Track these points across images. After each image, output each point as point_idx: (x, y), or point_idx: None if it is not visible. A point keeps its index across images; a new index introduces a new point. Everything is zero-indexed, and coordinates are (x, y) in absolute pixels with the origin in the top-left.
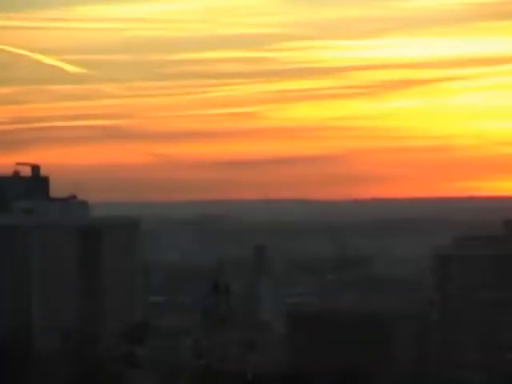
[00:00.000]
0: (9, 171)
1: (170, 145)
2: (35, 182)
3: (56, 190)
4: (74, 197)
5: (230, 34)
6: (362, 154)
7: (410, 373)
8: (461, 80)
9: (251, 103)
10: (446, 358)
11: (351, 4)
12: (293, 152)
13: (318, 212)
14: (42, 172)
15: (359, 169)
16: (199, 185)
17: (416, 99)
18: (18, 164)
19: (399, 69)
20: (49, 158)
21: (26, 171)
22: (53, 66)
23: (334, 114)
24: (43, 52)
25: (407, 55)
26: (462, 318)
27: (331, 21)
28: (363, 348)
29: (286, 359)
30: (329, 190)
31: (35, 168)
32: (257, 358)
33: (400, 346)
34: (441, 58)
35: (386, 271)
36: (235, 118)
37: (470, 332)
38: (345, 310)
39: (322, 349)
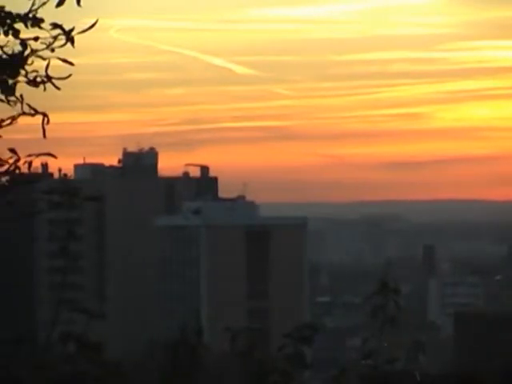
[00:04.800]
0: (179, 172)
1: (337, 146)
2: (204, 183)
3: (224, 191)
4: (242, 197)
5: (397, 34)
6: None
7: None
8: None
9: (419, 104)
10: None
11: None
12: (461, 152)
13: (486, 212)
14: (211, 173)
15: None
16: (366, 185)
17: None
18: (187, 165)
19: None
20: (217, 159)
21: (195, 172)
22: (222, 68)
23: (504, 114)
24: (212, 54)
25: None
26: None
27: (500, 20)
28: None
29: (454, 360)
30: (498, 190)
31: (204, 169)
32: (425, 358)
33: None
34: None
35: None
36: (403, 118)
37: None
38: None
39: (489, 349)
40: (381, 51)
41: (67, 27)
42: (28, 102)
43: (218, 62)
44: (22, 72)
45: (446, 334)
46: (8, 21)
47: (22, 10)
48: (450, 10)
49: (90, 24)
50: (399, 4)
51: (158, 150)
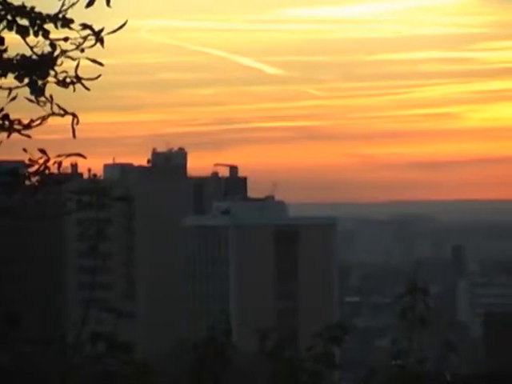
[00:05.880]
0: (208, 172)
1: (367, 146)
2: (233, 183)
3: (254, 191)
4: (271, 197)
5: (427, 34)
6: None
7: None
8: None
9: (450, 103)
10: None
11: None
12: (490, 152)
13: None
14: (240, 173)
15: None
16: (396, 185)
17: None
18: (216, 165)
19: None
20: (247, 159)
21: (225, 172)
22: (251, 68)
23: None
24: (242, 54)
25: None
26: None
27: None
28: None
29: (484, 360)
30: None
31: (233, 169)
32: (455, 358)
33: None
34: None
35: None
36: (432, 118)
37: None
38: None
39: None
40: (411, 51)
41: (97, 28)
42: (57, 102)
43: (247, 61)
44: (52, 73)
45: (475, 334)
46: (38, 21)
47: (52, 11)
48: (480, 10)
49: (120, 24)
50: (429, 4)
51: (187, 150)
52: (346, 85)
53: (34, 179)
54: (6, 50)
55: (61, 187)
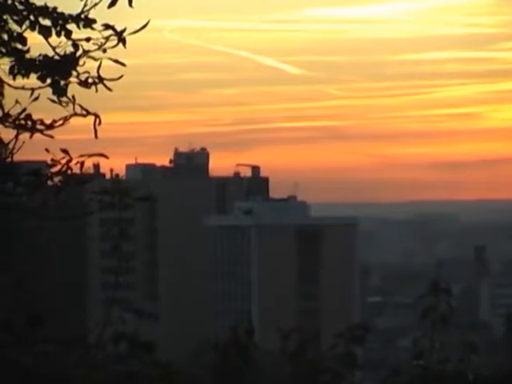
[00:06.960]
0: (230, 172)
1: (390, 146)
2: (255, 183)
3: (276, 191)
4: (293, 197)
5: (449, 34)
6: None
7: None
8: None
9: (473, 103)
10: None
11: None
12: None
13: None
14: (262, 173)
15: None
16: (418, 185)
17: None
18: (238, 165)
19: None
20: (269, 159)
21: (246, 172)
22: (274, 68)
23: None
24: (264, 54)
25: None
26: None
27: None
28: None
29: (506, 360)
30: None
31: (255, 169)
32: (477, 358)
33: None
34: None
35: None
36: (456, 118)
37: None
38: None
39: None
40: (433, 51)
41: (119, 28)
42: (80, 102)
43: (269, 62)
44: (74, 73)
45: (497, 334)
46: (60, 22)
47: (74, 11)
48: (501, 9)
49: (142, 25)
50: (452, 4)
51: (209, 150)
52: (368, 85)
53: (57, 179)
54: (28, 51)
55: (83, 187)
